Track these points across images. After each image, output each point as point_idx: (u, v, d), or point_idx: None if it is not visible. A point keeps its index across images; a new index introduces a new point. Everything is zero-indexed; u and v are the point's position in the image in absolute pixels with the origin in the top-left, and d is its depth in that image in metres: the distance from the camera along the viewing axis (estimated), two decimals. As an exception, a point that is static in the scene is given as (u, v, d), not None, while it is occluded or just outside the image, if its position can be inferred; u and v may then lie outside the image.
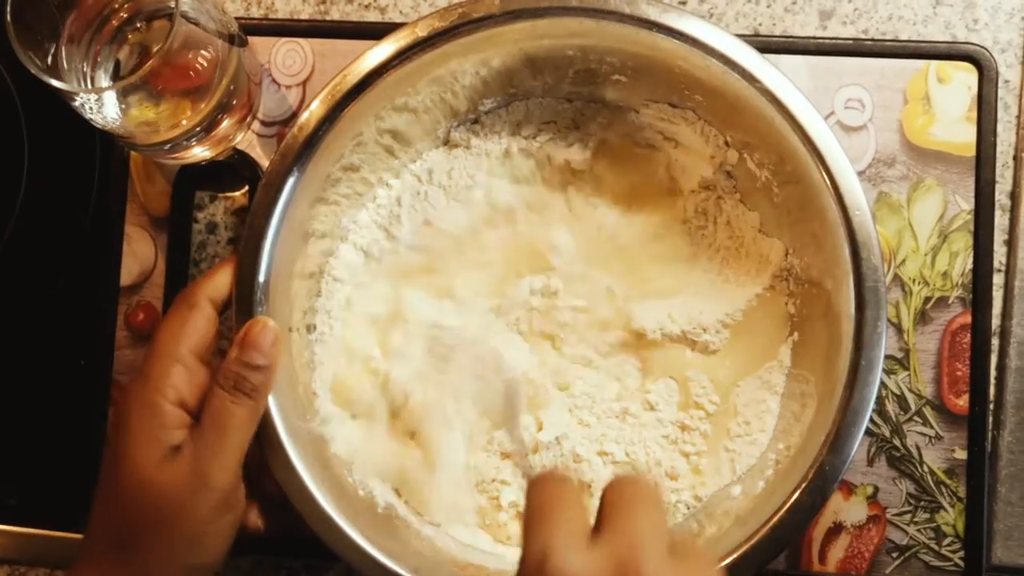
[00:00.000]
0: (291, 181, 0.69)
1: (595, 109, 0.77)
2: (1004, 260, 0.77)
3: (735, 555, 0.66)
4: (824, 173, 0.67)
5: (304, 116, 0.69)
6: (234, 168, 0.78)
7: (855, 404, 0.66)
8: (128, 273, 0.79)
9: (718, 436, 0.74)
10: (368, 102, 0.70)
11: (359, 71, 0.69)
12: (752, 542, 0.66)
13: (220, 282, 0.68)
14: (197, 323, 0.66)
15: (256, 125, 0.79)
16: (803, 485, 0.66)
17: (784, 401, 0.73)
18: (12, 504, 0.80)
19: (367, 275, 0.76)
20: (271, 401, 0.68)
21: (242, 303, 0.69)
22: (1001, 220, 0.77)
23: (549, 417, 0.75)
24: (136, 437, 0.64)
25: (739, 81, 0.69)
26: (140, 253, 0.79)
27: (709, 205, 0.76)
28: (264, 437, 0.68)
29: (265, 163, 0.77)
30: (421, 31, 0.69)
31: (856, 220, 0.67)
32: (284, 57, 0.80)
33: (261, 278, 0.69)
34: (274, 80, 0.80)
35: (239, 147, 0.77)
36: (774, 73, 0.68)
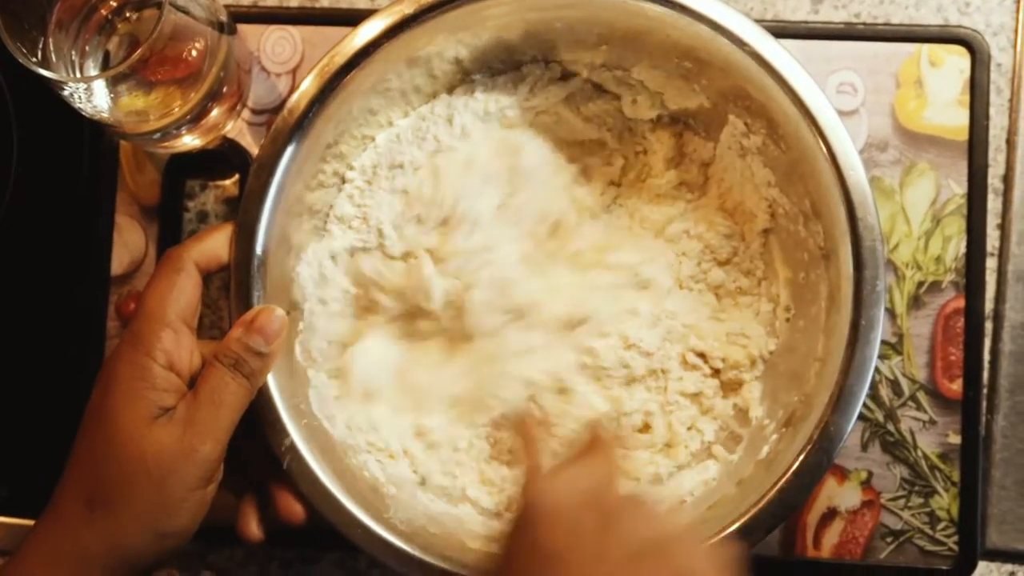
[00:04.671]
0: (283, 163, 0.69)
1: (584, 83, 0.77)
2: (997, 244, 0.77)
3: (745, 518, 0.65)
4: (817, 135, 0.67)
5: (294, 96, 0.69)
6: (224, 156, 0.78)
7: (857, 364, 0.66)
8: (119, 263, 0.79)
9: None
10: (359, 80, 0.70)
11: (349, 49, 0.69)
12: (760, 505, 0.66)
13: (208, 247, 0.68)
14: (184, 287, 0.66)
15: (246, 113, 0.79)
16: (809, 447, 0.66)
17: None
18: (4, 495, 0.80)
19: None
20: (271, 381, 0.68)
21: (239, 288, 0.68)
22: (994, 204, 0.77)
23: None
24: (125, 395, 0.63)
25: (728, 45, 0.68)
26: (131, 243, 0.79)
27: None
28: (265, 418, 0.68)
29: (255, 151, 0.77)
30: (408, 8, 0.69)
31: (851, 180, 0.66)
32: (274, 45, 0.79)
33: (257, 258, 0.68)
34: (264, 68, 0.79)
35: (229, 135, 0.77)
36: (762, 35, 0.68)
